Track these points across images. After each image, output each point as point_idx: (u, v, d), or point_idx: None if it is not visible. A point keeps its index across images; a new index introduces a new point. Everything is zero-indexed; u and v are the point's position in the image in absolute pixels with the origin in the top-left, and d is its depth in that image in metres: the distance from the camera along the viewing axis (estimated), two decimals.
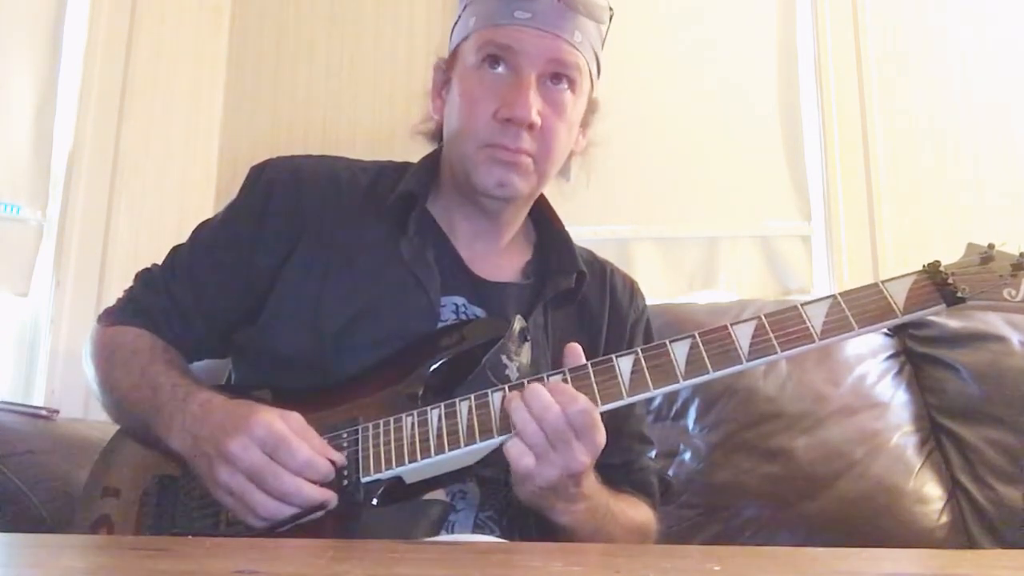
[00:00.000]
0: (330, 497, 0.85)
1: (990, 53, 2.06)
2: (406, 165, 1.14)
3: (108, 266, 1.97)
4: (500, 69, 1.01)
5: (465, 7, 1.06)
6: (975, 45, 2.07)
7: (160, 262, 1.14)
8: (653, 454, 1.17)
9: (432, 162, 1.13)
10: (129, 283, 1.14)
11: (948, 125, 2.03)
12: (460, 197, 1.09)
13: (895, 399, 1.60)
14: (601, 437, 0.85)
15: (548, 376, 0.89)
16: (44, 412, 1.48)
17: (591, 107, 1.10)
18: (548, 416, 0.82)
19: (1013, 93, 2.03)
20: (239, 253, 1.07)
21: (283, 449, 0.83)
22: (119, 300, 1.12)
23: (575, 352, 0.90)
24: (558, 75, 1.01)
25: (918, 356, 1.65)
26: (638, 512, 1.05)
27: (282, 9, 2.29)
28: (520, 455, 0.83)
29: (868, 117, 2.05)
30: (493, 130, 1.00)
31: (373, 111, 2.20)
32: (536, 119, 0.99)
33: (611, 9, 1.05)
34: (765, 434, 1.55)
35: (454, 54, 1.08)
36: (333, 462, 0.86)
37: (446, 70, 1.09)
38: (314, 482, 0.84)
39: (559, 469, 0.84)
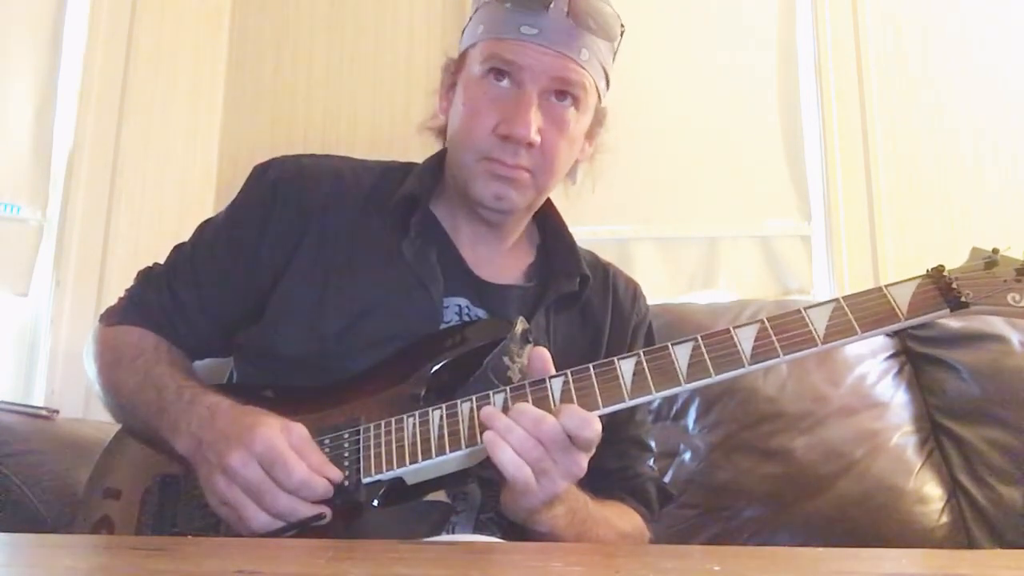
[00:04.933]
0: (324, 513, 0.84)
1: (991, 52, 2.06)
2: (411, 166, 1.14)
3: (108, 266, 1.97)
4: (503, 83, 1.00)
5: (476, 11, 1.05)
6: (975, 45, 2.07)
7: (161, 261, 1.14)
8: (652, 461, 1.16)
9: (436, 163, 1.13)
10: (129, 283, 1.14)
11: (948, 125, 2.03)
12: (462, 200, 1.09)
13: (895, 399, 1.60)
14: (596, 435, 0.84)
15: (550, 378, 0.88)
16: (44, 412, 1.48)
17: (598, 117, 1.09)
18: (544, 429, 0.81)
19: (1014, 93, 2.03)
20: (243, 252, 1.07)
21: (280, 467, 0.83)
22: (121, 299, 1.12)
23: (541, 356, 0.89)
24: (562, 92, 1.00)
25: (918, 356, 1.65)
26: (624, 519, 1.04)
27: (282, 9, 2.29)
28: (511, 463, 0.82)
29: (868, 117, 2.05)
30: (492, 144, 1.00)
31: (373, 111, 2.20)
32: (535, 138, 0.98)
33: (623, 25, 1.03)
34: (765, 434, 1.55)
35: (462, 58, 1.06)
36: (331, 479, 0.86)
37: (454, 72, 1.08)
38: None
39: (563, 476, 0.83)
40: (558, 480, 0.83)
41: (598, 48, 1.01)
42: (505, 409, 0.84)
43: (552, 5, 0.97)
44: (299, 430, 0.86)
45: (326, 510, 0.85)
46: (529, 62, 0.98)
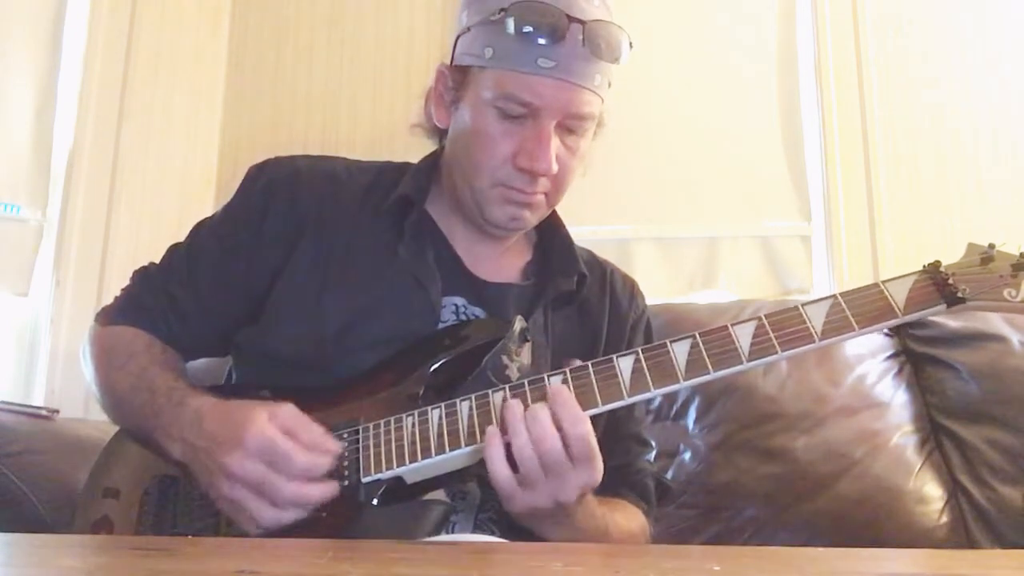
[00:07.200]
0: (333, 491, 0.85)
1: (990, 52, 2.06)
2: (406, 166, 1.14)
3: (108, 266, 1.97)
4: (519, 115, 0.98)
5: (478, 24, 1.00)
6: (975, 44, 2.07)
7: (158, 261, 1.14)
8: (652, 456, 1.16)
9: (432, 163, 1.13)
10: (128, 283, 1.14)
11: (948, 125, 2.03)
12: (457, 202, 1.08)
13: (895, 399, 1.60)
14: (598, 469, 0.84)
15: (549, 376, 0.88)
16: (44, 412, 1.48)
17: (598, 122, 1.07)
18: (544, 444, 0.82)
19: (1013, 92, 2.03)
20: (238, 254, 1.07)
21: (280, 458, 0.83)
22: (116, 299, 1.12)
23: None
24: (577, 123, 1.00)
25: (918, 356, 1.65)
26: (631, 521, 1.04)
27: (282, 9, 2.29)
28: (497, 468, 0.82)
29: (868, 117, 2.05)
30: (510, 174, 1.00)
31: (373, 111, 2.20)
32: (555, 169, 0.99)
33: (632, 45, 1.02)
34: (765, 434, 1.55)
35: (465, 74, 1.02)
36: (330, 450, 0.86)
37: (455, 88, 1.04)
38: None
39: (548, 497, 0.83)
40: (541, 498, 0.83)
41: (608, 69, 1.01)
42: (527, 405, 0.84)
43: (568, 35, 0.96)
44: (286, 410, 0.87)
45: (334, 487, 0.85)
46: (547, 101, 0.97)
